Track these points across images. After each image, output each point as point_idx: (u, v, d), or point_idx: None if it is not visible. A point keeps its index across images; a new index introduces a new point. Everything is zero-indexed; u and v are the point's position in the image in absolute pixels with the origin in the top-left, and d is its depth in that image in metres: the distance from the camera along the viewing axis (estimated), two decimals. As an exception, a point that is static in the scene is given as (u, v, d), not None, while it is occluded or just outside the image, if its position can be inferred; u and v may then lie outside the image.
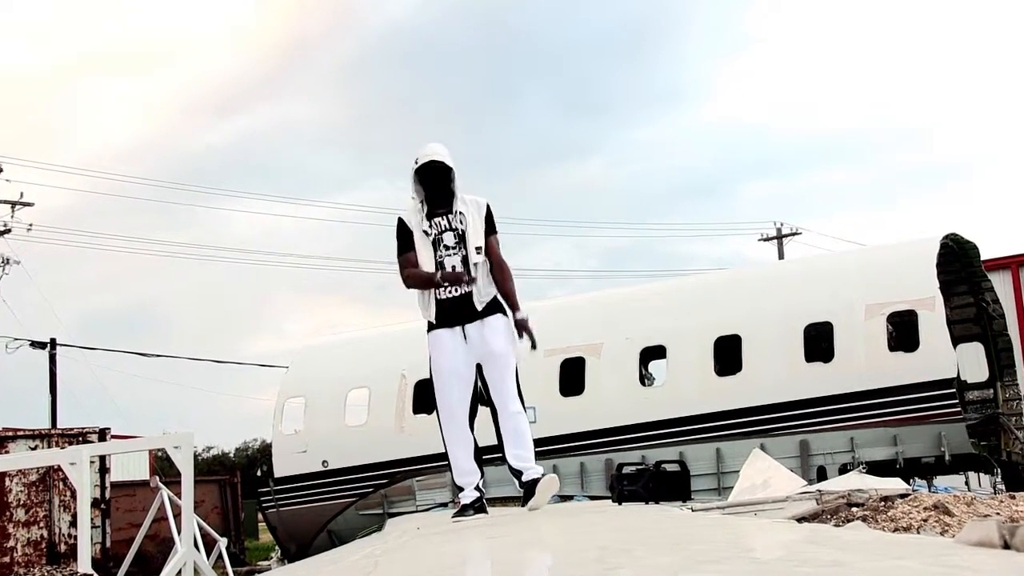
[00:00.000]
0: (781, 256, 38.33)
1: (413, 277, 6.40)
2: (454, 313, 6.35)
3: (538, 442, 6.78)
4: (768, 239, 39.81)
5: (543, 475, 6.33)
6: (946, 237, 13.53)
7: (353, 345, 17.50)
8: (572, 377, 14.55)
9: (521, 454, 6.35)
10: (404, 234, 6.45)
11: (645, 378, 15.13)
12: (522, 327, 6.34)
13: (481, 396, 6.43)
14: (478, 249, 6.37)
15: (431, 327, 6.42)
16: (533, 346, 6.37)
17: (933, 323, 12.78)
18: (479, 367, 6.37)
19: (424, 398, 15.48)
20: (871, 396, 12.89)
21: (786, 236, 39.67)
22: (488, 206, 6.47)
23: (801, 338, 13.46)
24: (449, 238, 6.36)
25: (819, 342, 13.55)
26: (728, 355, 13.93)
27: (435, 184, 6.38)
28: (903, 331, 13.33)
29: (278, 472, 16.52)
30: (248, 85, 76.05)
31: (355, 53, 77.10)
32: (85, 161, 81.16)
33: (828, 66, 78.32)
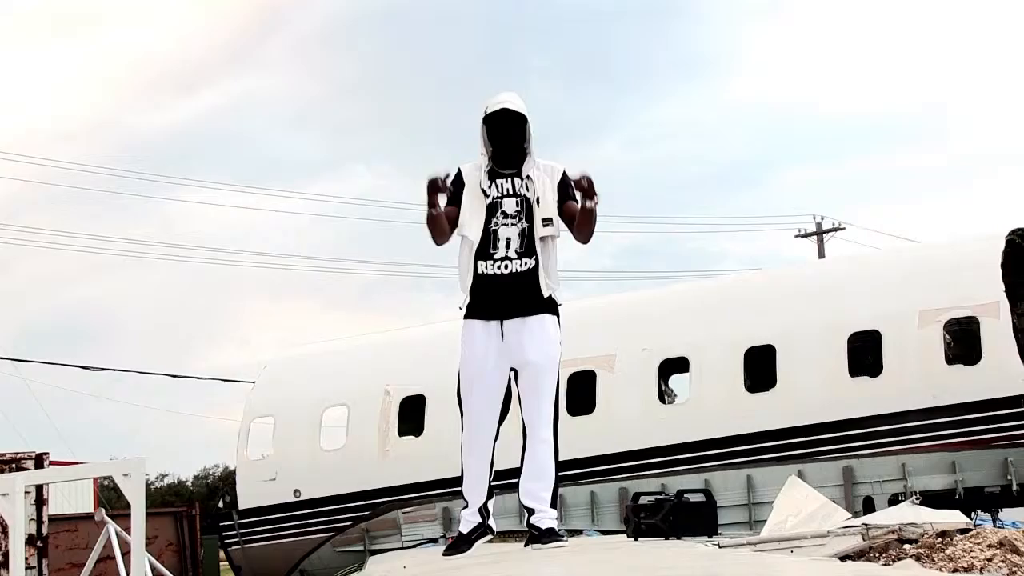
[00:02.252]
0: (822, 255, 38.38)
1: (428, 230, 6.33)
2: (495, 294, 6.23)
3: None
4: (807, 235, 39.86)
5: (558, 533, 6.27)
6: (1012, 233, 13.51)
7: (330, 357, 17.49)
8: (581, 394, 14.53)
9: (536, 491, 6.27)
10: (454, 184, 6.36)
11: (665, 395, 15.11)
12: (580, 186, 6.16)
13: (508, 408, 6.34)
14: (546, 222, 6.26)
15: (466, 313, 6.33)
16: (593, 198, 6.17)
17: (997, 332, 12.76)
18: (515, 373, 6.26)
19: (411, 418, 15.50)
20: (926, 416, 12.87)
21: (827, 232, 39.72)
22: (564, 172, 6.38)
23: (845, 349, 13.45)
24: (510, 205, 6.27)
25: (865, 354, 13.53)
26: (761, 368, 13.92)
27: (505, 139, 6.30)
28: (963, 341, 13.30)
29: (243, 503, 16.49)
30: (208, 55, 76.09)
31: (331, 18, 77.24)
32: (15, 144, 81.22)
33: (881, 31, 78.28)
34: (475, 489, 6.39)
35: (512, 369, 6.25)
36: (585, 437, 14.10)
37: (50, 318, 69.97)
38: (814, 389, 13.49)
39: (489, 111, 6.30)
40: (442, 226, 6.27)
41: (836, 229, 39.91)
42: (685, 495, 9.17)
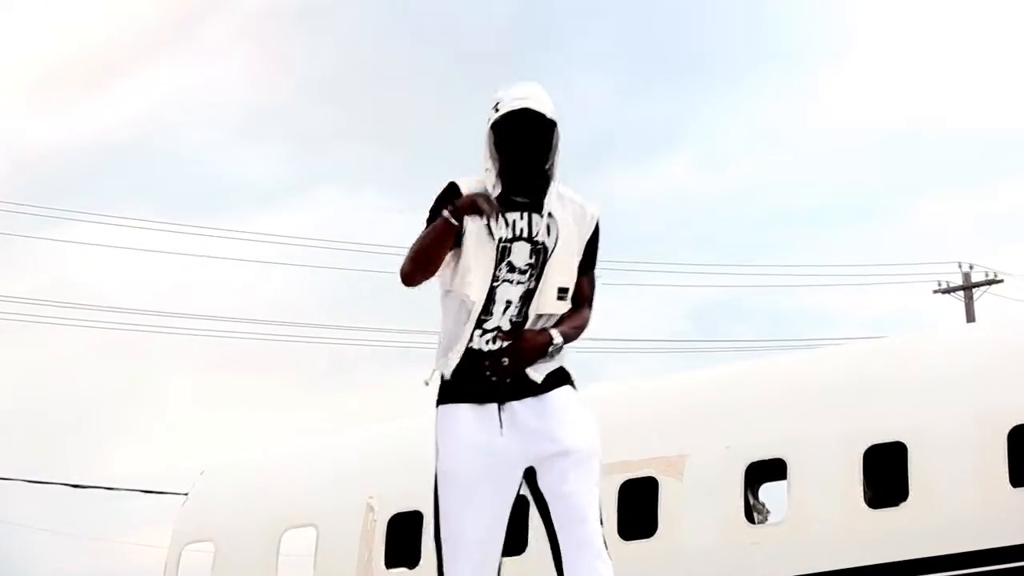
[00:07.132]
0: (971, 318, 38.37)
1: (413, 252, 5.77)
2: (489, 373, 5.80)
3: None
4: (950, 290, 39.89)
5: None
6: None
7: (291, 460, 17.54)
8: (638, 509, 14.52)
9: None
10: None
11: (755, 511, 15.06)
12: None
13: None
14: (561, 292, 5.83)
15: (443, 395, 5.90)
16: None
17: None
18: (531, 474, 5.80)
19: (403, 542, 15.47)
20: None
21: (978, 285, 39.75)
22: (598, 223, 5.98)
23: (1004, 449, 13.39)
24: (521, 254, 5.80)
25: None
26: (887, 474, 13.87)
27: (522, 153, 5.77)
28: None
29: (171, 662, 16.49)
30: (127, 39, 76.89)
31: None
32: None
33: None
34: None
35: (528, 470, 5.79)
36: (643, 569, 14.07)
37: (-94, 405, 70.46)
38: (962, 503, 13.42)
39: (502, 111, 5.74)
40: (442, 252, 5.78)
41: (991, 282, 39.94)
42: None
